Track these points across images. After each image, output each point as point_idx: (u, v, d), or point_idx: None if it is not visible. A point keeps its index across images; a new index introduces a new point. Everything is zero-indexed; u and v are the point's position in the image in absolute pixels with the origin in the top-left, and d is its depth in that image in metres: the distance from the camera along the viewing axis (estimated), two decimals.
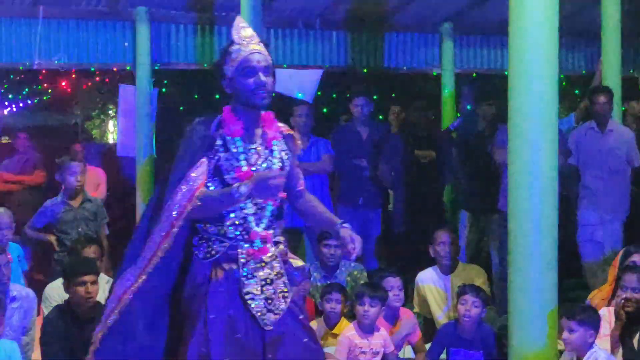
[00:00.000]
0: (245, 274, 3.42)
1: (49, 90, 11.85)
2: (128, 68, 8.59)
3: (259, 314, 3.40)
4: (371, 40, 9.30)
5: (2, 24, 7.94)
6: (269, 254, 3.47)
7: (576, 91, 10.87)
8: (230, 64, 3.46)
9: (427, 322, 5.97)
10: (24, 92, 11.88)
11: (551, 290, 3.99)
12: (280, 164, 3.53)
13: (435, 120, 9.16)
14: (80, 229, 6.27)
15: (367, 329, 4.98)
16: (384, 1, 8.96)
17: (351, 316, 5.22)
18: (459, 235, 6.89)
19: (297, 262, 3.65)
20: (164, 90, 10.23)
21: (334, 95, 11.88)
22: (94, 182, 7.98)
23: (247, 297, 3.40)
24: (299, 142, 3.73)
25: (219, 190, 3.40)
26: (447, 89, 9.36)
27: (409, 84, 11.43)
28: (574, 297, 6.18)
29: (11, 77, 11.33)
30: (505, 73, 4.19)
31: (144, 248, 3.44)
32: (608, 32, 7.04)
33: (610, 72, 7.04)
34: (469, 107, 8.63)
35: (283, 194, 3.53)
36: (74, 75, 11.08)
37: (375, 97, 9.51)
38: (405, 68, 9.54)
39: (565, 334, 4.38)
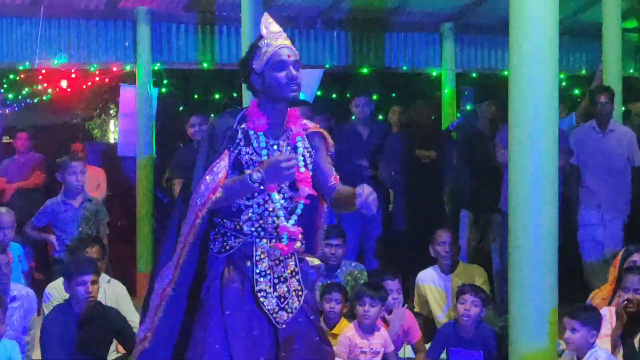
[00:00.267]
0: (258, 271, 3.42)
1: (49, 90, 11.83)
2: (129, 68, 8.58)
3: (271, 312, 3.39)
4: (372, 40, 9.29)
5: (3, 24, 7.93)
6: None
7: (577, 91, 10.86)
8: (260, 58, 3.45)
9: (427, 322, 5.96)
10: (25, 92, 11.87)
11: (551, 290, 3.98)
12: (303, 161, 3.51)
13: (436, 120, 9.15)
14: (80, 229, 6.27)
15: (367, 329, 4.99)
16: (385, 1, 8.96)
17: (351, 316, 5.22)
18: (460, 235, 6.89)
19: (314, 261, 3.62)
20: (164, 90, 10.22)
21: (334, 95, 11.88)
22: (94, 181, 7.98)
23: (259, 294, 3.40)
24: (330, 139, 3.69)
25: (236, 177, 3.37)
26: (448, 89, 9.36)
27: (410, 83, 11.42)
28: (574, 297, 6.18)
29: (11, 76, 11.31)
30: (506, 73, 4.19)
31: (176, 243, 3.43)
32: (609, 31, 7.04)
33: (611, 72, 7.05)
34: (469, 107, 8.65)
35: (313, 192, 3.50)
36: (74, 75, 11.05)
37: (375, 97, 9.52)
38: (405, 68, 9.53)
39: (568, 334, 4.38)
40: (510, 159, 4.07)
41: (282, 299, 3.42)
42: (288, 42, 3.49)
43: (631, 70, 10.03)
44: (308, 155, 3.57)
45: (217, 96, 11.99)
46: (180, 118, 9.89)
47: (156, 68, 8.55)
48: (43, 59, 8.06)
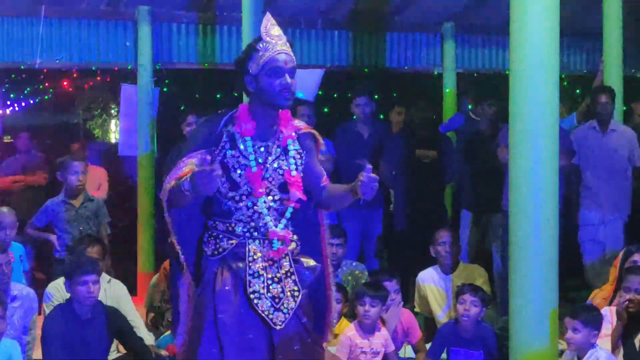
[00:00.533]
0: (251, 272, 3.39)
1: (51, 90, 11.84)
2: (129, 67, 8.58)
3: (266, 313, 3.37)
4: (373, 39, 9.29)
5: (4, 23, 7.93)
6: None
7: (577, 91, 10.86)
8: (256, 61, 3.40)
9: (427, 321, 5.97)
10: (26, 92, 11.87)
11: (552, 290, 3.98)
12: (294, 164, 3.49)
13: (437, 119, 9.15)
14: (81, 229, 6.27)
15: (368, 329, 4.99)
16: (386, 1, 8.96)
17: (351, 316, 5.22)
18: (460, 235, 6.89)
19: (310, 262, 3.59)
20: (165, 89, 10.22)
21: (335, 95, 11.87)
22: (95, 181, 7.98)
23: (252, 296, 3.37)
24: (321, 140, 3.64)
25: (179, 181, 3.30)
26: (449, 89, 9.36)
27: (411, 83, 11.42)
28: (575, 297, 6.19)
29: (12, 76, 11.32)
30: (507, 73, 4.19)
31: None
32: (610, 31, 7.04)
33: (612, 71, 7.04)
34: (470, 107, 8.64)
35: (303, 196, 3.47)
36: (75, 75, 11.07)
37: (376, 96, 9.52)
38: (406, 67, 9.53)
39: (569, 334, 4.38)
40: (511, 159, 4.06)
41: (277, 300, 3.39)
42: (287, 48, 3.43)
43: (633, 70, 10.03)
44: (299, 157, 3.53)
45: (218, 96, 11.99)
46: (182, 118, 9.87)
47: (157, 68, 8.55)
48: (44, 58, 8.06)
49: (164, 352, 5.28)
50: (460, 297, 5.11)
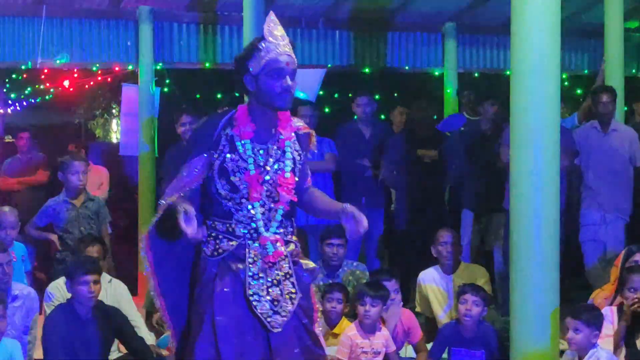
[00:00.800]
0: (251, 274, 3.37)
1: (52, 90, 11.83)
2: (130, 67, 8.58)
3: (264, 315, 3.35)
4: (374, 39, 9.29)
5: (5, 23, 7.94)
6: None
7: (579, 91, 10.85)
8: (258, 60, 3.35)
9: (429, 321, 5.96)
10: (27, 92, 11.86)
11: (553, 290, 3.98)
12: (292, 165, 3.47)
13: (438, 119, 9.15)
14: (82, 228, 6.27)
15: (369, 329, 4.98)
16: (387, 1, 8.96)
17: (352, 316, 5.22)
18: (462, 235, 6.88)
19: (309, 264, 3.58)
20: (166, 89, 10.22)
21: (336, 95, 11.88)
22: (96, 181, 7.98)
23: (252, 298, 3.35)
24: (314, 140, 3.63)
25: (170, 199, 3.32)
26: (450, 89, 9.36)
27: (412, 83, 11.42)
28: (575, 297, 6.17)
29: (14, 76, 11.33)
30: (508, 73, 4.19)
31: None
32: (611, 31, 7.03)
33: (613, 71, 7.04)
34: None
35: (294, 197, 3.47)
36: (76, 75, 11.06)
37: (377, 96, 9.52)
38: (407, 67, 9.53)
39: (571, 334, 4.37)
40: (512, 159, 4.07)
41: (275, 303, 3.37)
42: (289, 49, 3.39)
43: (633, 70, 10.02)
44: (298, 158, 3.52)
45: (219, 96, 11.99)
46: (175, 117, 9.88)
47: (158, 67, 8.55)
48: (45, 58, 8.07)
49: (164, 352, 5.27)
50: (461, 297, 5.10)
